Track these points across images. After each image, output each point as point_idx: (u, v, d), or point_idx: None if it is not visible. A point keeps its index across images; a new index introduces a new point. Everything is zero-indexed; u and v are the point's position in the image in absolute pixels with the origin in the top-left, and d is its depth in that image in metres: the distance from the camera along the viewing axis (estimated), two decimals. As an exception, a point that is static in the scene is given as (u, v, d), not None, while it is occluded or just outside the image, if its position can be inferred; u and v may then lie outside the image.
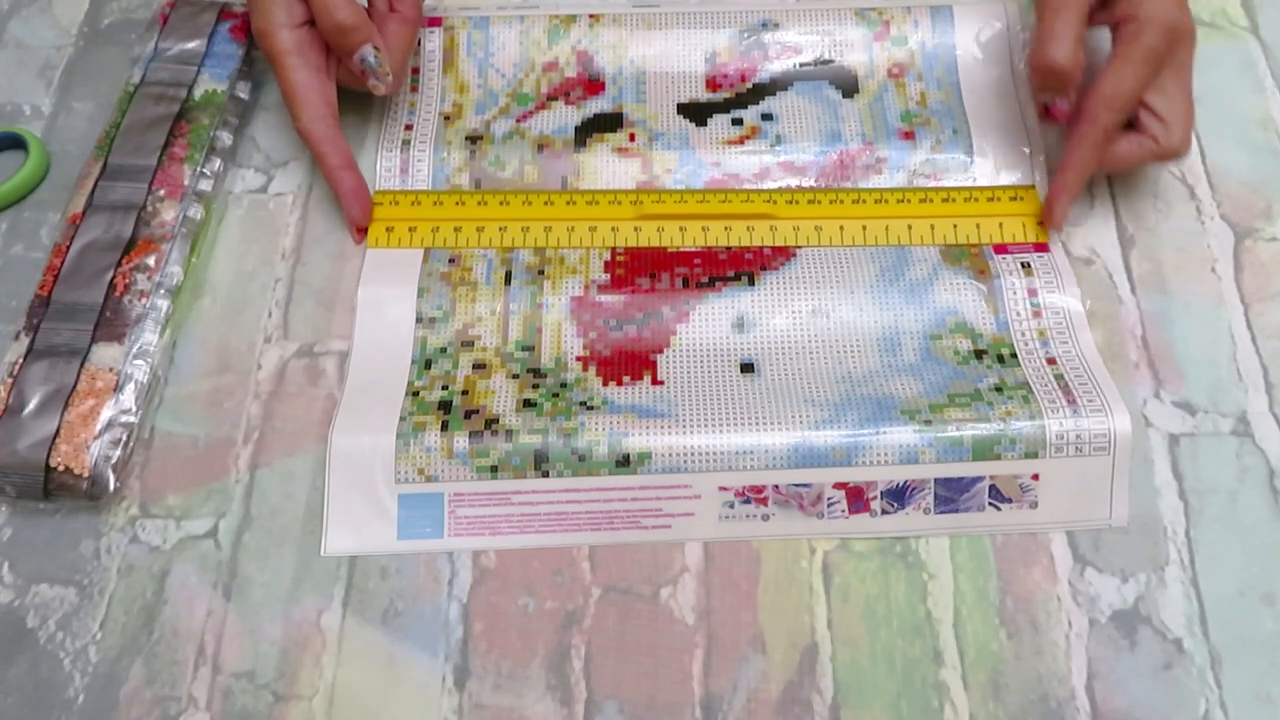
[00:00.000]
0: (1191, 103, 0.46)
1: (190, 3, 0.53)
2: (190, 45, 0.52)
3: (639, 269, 0.47)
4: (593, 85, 0.53)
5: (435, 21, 0.54)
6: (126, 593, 0.41)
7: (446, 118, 0.52)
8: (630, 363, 0.45)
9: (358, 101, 0.51)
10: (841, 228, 0.48)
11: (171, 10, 0.53)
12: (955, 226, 0.48)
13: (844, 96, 0.52)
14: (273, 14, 0.46)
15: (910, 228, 0.48)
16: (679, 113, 0.52)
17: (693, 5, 0.54)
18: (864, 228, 0.48)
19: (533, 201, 0.49)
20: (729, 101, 0.52)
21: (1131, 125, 0.46)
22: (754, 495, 0.42)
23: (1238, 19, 0.55)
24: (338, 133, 0.48)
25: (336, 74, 0.49)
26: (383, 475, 0.42)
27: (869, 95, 0.52)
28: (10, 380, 0.43)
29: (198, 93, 0.50)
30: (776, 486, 0.42)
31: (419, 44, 0.53)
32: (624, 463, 0.42)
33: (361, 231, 0.48)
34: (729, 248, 0.48)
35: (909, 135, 0.51)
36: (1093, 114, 0.44)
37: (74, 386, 0.42)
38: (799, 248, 0.48)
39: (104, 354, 0.43)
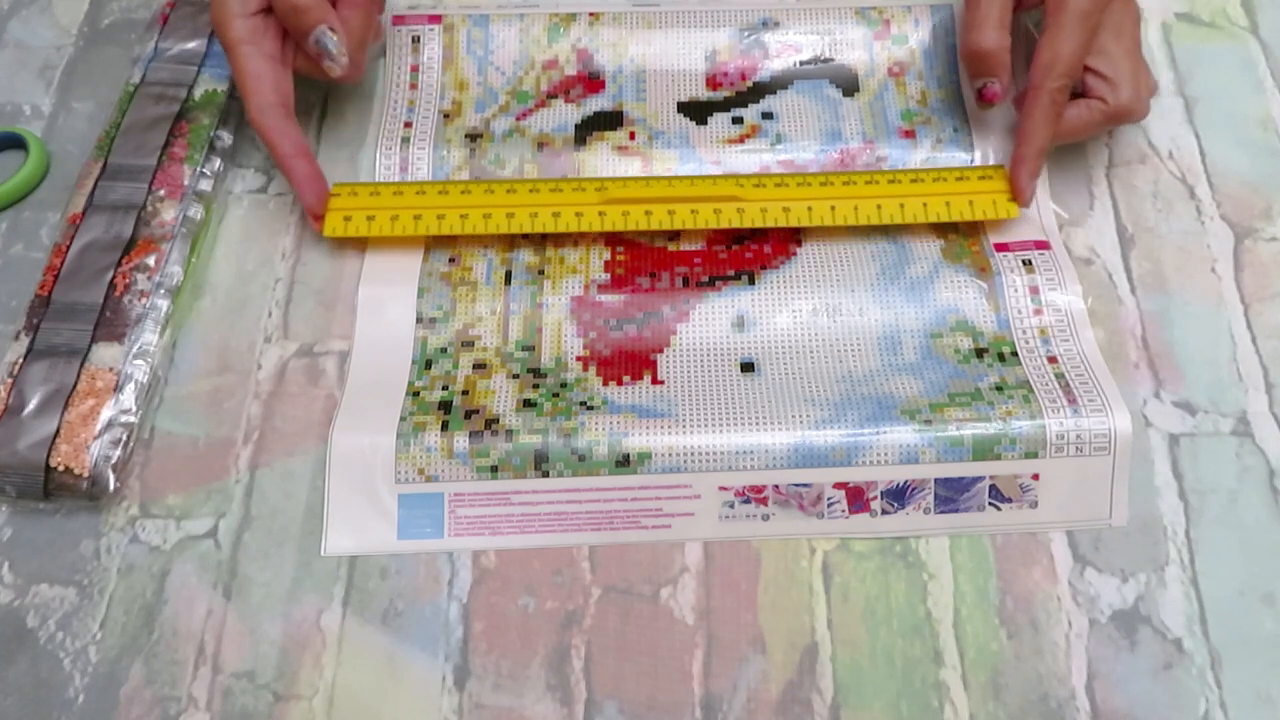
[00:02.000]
0: (1140, 63, 0.47)
1: (190, 3, 0.53)
2: (190, 45, 0.51)
3: (639, 268, 0.47)
4: (593, 83, 0.53)
5: (435, 19, 0.54)
6: (126, 593, 0.41)
7: (446, 116, 0.52)
8: (630, 362, 0.45)
9: (358, 101, 0.51)
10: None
11: (171, 10, 0.53)
12: (925, 205, 0.47)
13: (844, 95, 0.52)
14: (227, 3, 0.46)
15: (879, 207, 0.47)
16: (679, 111, 0.52)
17: (693, 4, 0.54)
18: (833, 207, 0.47)
19: (495, 190, 0.48)
20: (729, 100, 0.52)
21: (1081, 95, 0.47)
22: (754, 495, 0.42)
23: (1238, 19, 0.55)
24: (289, 122, 0.47)
25: (295, 63, 0.48)
26: (383, 475, 0.42)
27: (869, 94, 0.52)
28: (10, 380, 0.43)
29: (198, 92, 0.50)
30: (776, 486, 0.42)
31: (419, 42, 0.53)
32: (624, 463, 0.42)
33: (318, 219, 0.48)
34: (728, 248, 0.48)
35: (910, 134, 0.51)
36: (1036, 83, 0.45)
37: (74, 386, 0.42)
38: (799, 246, 0.47)
39: (104, 354, 0.43)
